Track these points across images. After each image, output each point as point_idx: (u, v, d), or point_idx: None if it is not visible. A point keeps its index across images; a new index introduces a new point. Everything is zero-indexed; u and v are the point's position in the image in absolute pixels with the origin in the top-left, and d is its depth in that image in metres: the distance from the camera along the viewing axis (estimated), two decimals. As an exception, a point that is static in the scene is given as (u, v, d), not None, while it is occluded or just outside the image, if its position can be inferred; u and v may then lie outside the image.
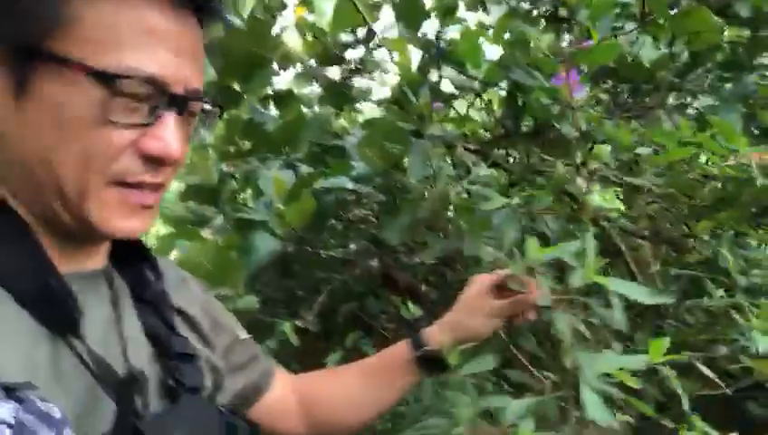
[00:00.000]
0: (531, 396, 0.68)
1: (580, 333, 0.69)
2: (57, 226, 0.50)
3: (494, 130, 1.34)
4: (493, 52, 1.39)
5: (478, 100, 1.43)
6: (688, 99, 1.47)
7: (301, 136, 1.24)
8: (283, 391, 0.77)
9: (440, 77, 1.38)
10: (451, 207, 1.00)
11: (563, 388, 0.67)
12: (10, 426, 0.38)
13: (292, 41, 1.45)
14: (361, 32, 1.48)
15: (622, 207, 1.20)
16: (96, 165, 0.47)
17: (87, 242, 0.53)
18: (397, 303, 1.01)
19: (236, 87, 1.31)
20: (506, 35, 1.31)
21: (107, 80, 0.45)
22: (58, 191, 0.47)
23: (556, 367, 0.69)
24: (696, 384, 0.88)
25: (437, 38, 1.37)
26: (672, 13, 1.24)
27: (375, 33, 1.47)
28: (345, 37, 1.48)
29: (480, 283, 0.78)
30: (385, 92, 1.55)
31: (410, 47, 1.39)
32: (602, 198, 1.36)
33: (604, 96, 1.48)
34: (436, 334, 0.78)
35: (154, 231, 1.39)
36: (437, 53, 1.36)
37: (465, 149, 1.31)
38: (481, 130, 1.42)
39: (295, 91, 1.46)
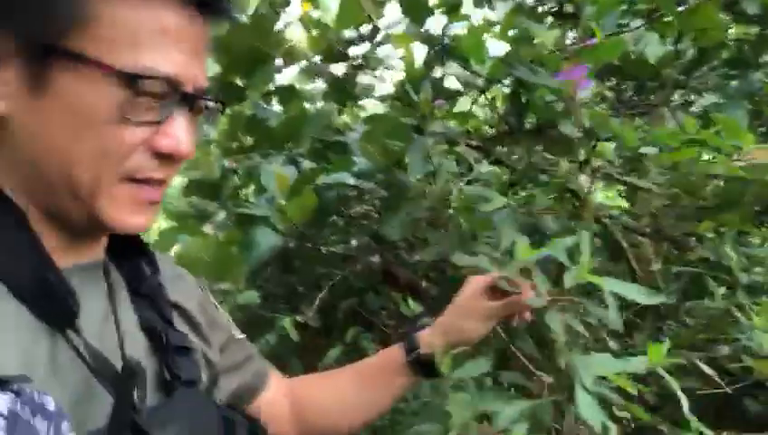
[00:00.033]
0: (528, 398, 0.67)
1: (576, 333, 0.68)
2: (63, 220, 0.50)
3: (497, 126, 1.33)
4: (497, 48, 1.38)
5: (482, 96, 1.43)
6: (693, 96, 1.46)
7: (303, 132, 1.24)
8: (276, 394, 0.76)
9: (444, 73, 1.38)
10: (453, 204, 1.00)
11: (558, 390, 0.66)
12: (4, 417, 0.38)
13: (297, 37, 1.45)
14: (366, 28, 1.48)
15: (625, 205, 1.19)
16: (110, 162, 0.48)
17: (90, 236, 0.53)
18: (397, 299, 1.01)
19: (239, 83, 1.30)
20: (512, 32, 1.31)
21: (129, 80, 0.46)
22: (70, 187, 0.48)
23: (552, 368, 0.69)
24: (696, 382, 0.88)
25: (442, 34, 1.37)
26: (679, 9, 1.23)
27: (379, 29, 1.47)
28: (349, 33, 1.48)
29: (474, 284, 0.78)
30: (388, 89, 1.55)
31: (415, 43, 1.39)
32: (605, 196, 1.36)
33: (609, 93, 1.47)
34: (429, 337, 0.77)
35: (156, 226, 1.40)
36: (442, 50, 1.36)
37: (468, 145, 1.31)
38: (485, 127, 1.41)
39: (299, 86, 1.46)
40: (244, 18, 1.22)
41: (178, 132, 0.50)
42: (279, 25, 1.34)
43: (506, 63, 1.17)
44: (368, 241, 1.22)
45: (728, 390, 0.81)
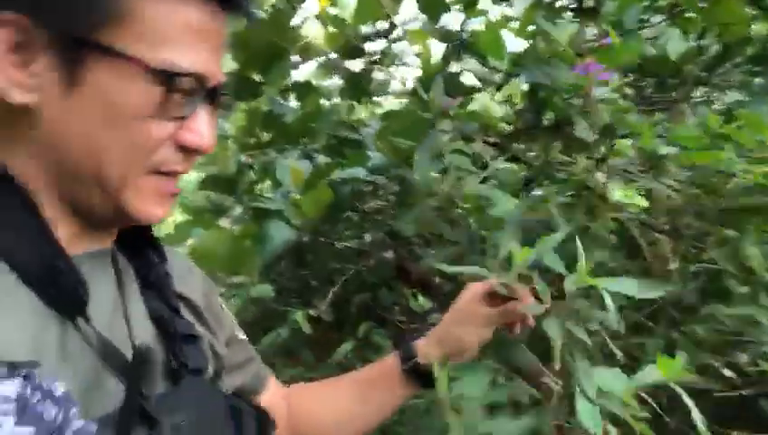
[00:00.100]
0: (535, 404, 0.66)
1: (578, 340, 0.66)
2: (84, 210, 0.51)
3: (514, 123, 1.32)
4: (516, 44, 1.37)
5: (499, 93, 1.41)
6: (716, 94, 1.43)
7: (318, 127, 1.24)
8: (274, 398, 0.76)
9: (461, 69, 1.37)
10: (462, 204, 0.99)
11: (562, 398, 0.65)
12: (14, 402, 0.39)
13: (313, 33, 1.45)
14: (382, 24, 1.48)
15: (644, 203, 1.18)
16: (139, 155, 0.49)
17: (106, 225, 0.54)
18: (409, 295, 1.01)
19: (256, 78, 1.31)
20: (531, 27, 1.29)
21: (164, 77, 0.47)
22: (98, 178, 0.49)
23: (558, 375, 0.68)
24: (715, 383, 0.87)
25: (460, 30, 1.36)
26: (701, 5, 1.21)
27: (396, 25, 1.46)
28: (366, 29, 1.47)
29: (473, 290, 0.76)
30: (406, 85, 1.55)
31: (432, 40, 1.39)
32: (624, 194, 1.34)
33: (629, 90, 1.45)
34: (426, 346, 0.76)
35: (171, 220, 1.41)
36: (459, 45, 1.35)
37: (485, 142, 1.30)
38: (502, 124, 1.40)
39: (315, 82, 1.46)
40: (261, 14, 1.23)
41: (202, 127, 0.51)
42: (296, 21, 1.34)
43: (521, 66, 1.16)
44: (382, 236, 1.22)
45: (744, 392, 0.79)
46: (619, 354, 0.69)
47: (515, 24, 1.34)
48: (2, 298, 0.45)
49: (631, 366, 0.94)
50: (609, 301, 0.64)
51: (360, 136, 1.23)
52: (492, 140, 1.28)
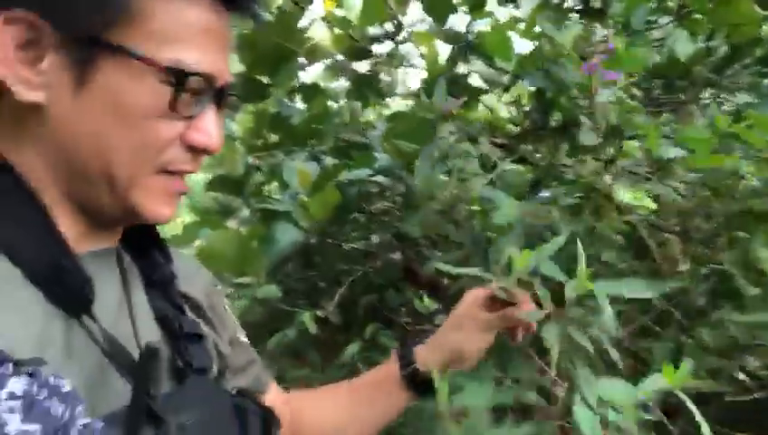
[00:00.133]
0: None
1: (580, 346, 0.65)
2: (91, 208, 0.51)
3: (522, 124, 1.32)
4: (523, 45, 1.37)
5: (507, 94, 1.41)
6: (725, 95, 1.42)
7: (325, 129, 1.25)
8: (276, 403, 0.74)
9: (468, 71, 1.37)
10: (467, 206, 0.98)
11: (564, 406, 0.64)
12: (20, 399, 0.39)
13: (320, 34, 1.45)
14: (389, 26, 1.48)
15: (653, 205, 1.17)
16: (148, 155, 0.49)
17: (113, 224, 0.54)
18: (416, 296, 1.00)
19: (264, 80, 1.31)
20: (537, 29, 1.29)
21: (175, 76, 0.47)
22: (107, 177, 0.49)
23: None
24: (728, 386, 0.86)
25: (466, 31, 1.36)
26: (711, 5, 1.20)
27: (403, 26, 1.46)
28: (373, 31, 1.48)
29: (473, 296, 0.75)
30: (412, 86, 1.55)
31: (439, 41, 1.39)
32: (632, 196, 1.33)
33: (637, 91, 1.44)
34: (425, 352, 0.75)
35: (179, 221, 1.41)
36: (466, 47, 1.35)
37: (493, 143, 1.29)
38: (509, 126, 1.40)
39: (322, 84, 1.47)
40: (268, 16, 1.23)
41: (210, 127, 0.51)
42: (303, 23, 1.34)
43: (526, 65, 1.15)
44: (389, 238, 1.22)
45: (757, 395, 0.78)
46: (620, 362, 0.68)
47: (522, 26, 1.34)
48: (7, 295, 0.45)
49: (641, 370, 0.93)
50: (606, 307, 0.62)
51: (365, 138, 1.23)
52: (499, 141, 1.28)
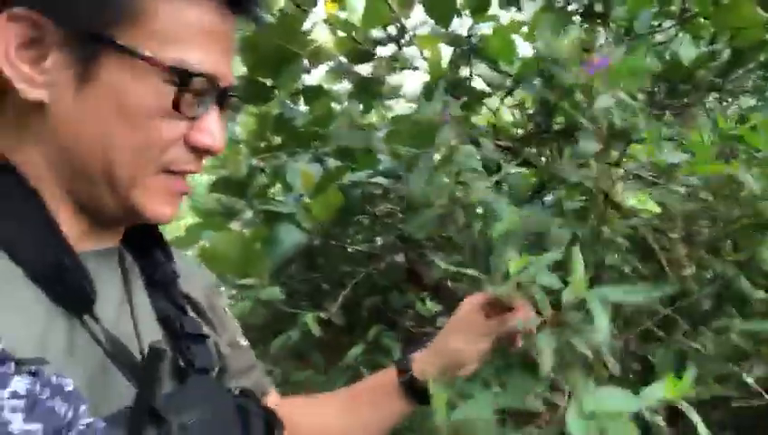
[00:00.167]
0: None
1: (578, 353, 0.64)
2: (93, 207, 0.51)
3: (525, 127, 1.31)
4: (526, 48, 1.37)
5: (511, 97, 1.41)
6: (729, 100, 1.42)
7: (329, 131, 1.24)
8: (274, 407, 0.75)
9: (471, 74, 1.37)
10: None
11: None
12: (23, 398, 0.38)
13: (323, 37, 1.46)
14: (392, 28, 1.48)
15: (657, 209, 1.17)
16: (151, 154, 0.49)
17: (114, 224, 0.54)
18: (419, 298, 1.00)
19: (267, 82, 1.31)
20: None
21: (178, 76, 0.47)
22: (109, 176, 0.49)
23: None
24: (735, 391, 0.85)
25: (469, 35, 1.36)
26: (713, 8, 1.20)
27: (406, 29, 1.47)
28: (376, 33, 1.48)
29: (471, 302, 0.75)
30: (414, 89, 1.55)
31: (442, 45, 1.39)
32: (637, 199, 1.33)
33: (640, 95, 1.44)
34: (423, 359, 0.74)
35: (182, 222, 1.41)
36: (469, 50, 1.35)
37: (496, 146, 1.29)
38: (513, 129, 1.40)
39: (325, 87, 1.47)
40: (270, 18, 1.23)
41: (213, 127, 0.51)
42: (306, 26, 1.34)
43: (525, 71, 1.15)
44: (392, 240, 1.21)
45: (760, 401, 0.77)
46: (618, 370, 0.67)
47: (525, 29, 1.34)
48: (9, 295, 0.45)
49: (644, 377, 0.92)
50: (600, 313, 0.61)
51: (368, 140, 1.23)
52: (503, 144, 1.28)
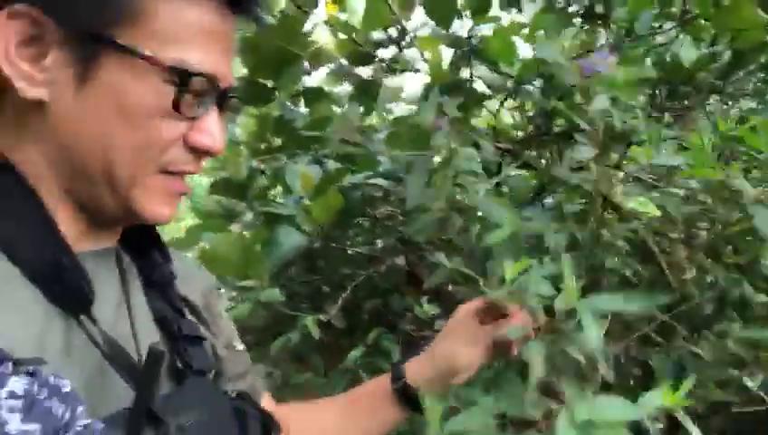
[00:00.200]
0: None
1: (571, 361, 0.64)
2: (91, 206, 0.51)
3: (526, 129, 1.31)
4: (527, 50, 1.37)
5: (511, 99, 1.41)
6: (730, 102, 1.42)
7: (328, 133, 1.24)
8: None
9: (471, 76, 1.37)
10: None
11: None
12: (20, 398, 0.38)
13: (324, 39, 1.46)
14: (393, 30, 1.48)
15: (657, 212, 1.17)
16: (150, 154, 0.49)
17: (112, 223, 0.54)
18: (420, 301, 0.99)
19: (267, 84, 1.31)
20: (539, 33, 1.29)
21: (179, 76, 0.47)
22: (108, 175, 0.48)
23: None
24: (735, 396, 0.85)
25: (470, 36, 1.36)
26: (714, 10, 1.20)
27: (407, 31, 1.47)
28: (377, 35, 1.48)
29: (466, 308, 0.74)
30: (414, 91, 1.55)
31: (443, 47, 1.39)
32: (638, 202, 1.33)
33: (641, 97, 1.44)
34: (416, 366, 0.74)
35: (183, 224, 1.41)
36: (469, 51, 1.35)
37: (496, 148, 1.29)
38: (513, 131, 1.40)
39: (327, 89, 1.47)
40: (271, 19, 1.23)
41: (213, 128, 0.51)
42: (306, 27, 1.34)
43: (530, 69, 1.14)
44: (393, 242, 1.21)
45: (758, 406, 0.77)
46: (611, 378, 0.67)
47: (526, 31, 1.34)
48: (7, 295, 0.45)
49: (645, 382, 0.92)
50: (590, 323, 0.61)
51: (368, 142, 1.23)
52: (503, 146, 1.27)
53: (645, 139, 1.02)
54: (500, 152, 1.30)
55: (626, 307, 0.67)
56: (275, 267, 1.07)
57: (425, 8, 1.31)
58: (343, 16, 1.45)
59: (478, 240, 0.89)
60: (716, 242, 0.97)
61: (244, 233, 1.22)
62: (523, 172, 1.29)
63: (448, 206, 0.90)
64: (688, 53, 1.33)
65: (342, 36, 1.45)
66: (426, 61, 1.40)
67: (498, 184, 1.19)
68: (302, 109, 1.43)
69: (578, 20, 1.37)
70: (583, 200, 1.09)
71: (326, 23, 1.44)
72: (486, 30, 1.39)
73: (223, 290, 1.13)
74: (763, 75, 1.41)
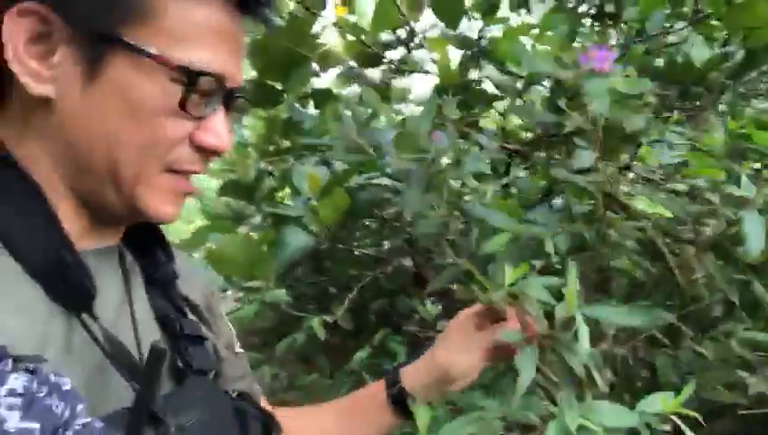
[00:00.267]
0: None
1: (566, 368, 0.63)
2: (96, 204, 0.51)
3: (534, 130, 1.31)
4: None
5: (520, 99, 1.40)
6: (740, 104, 1.40)
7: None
8: None
9: (480, 77, 1.36)
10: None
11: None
12: (20, 396, 0.38)
13: (333, 40, 1.46)
14: (402, 32, 1.48)
15: (667, 213, 1.15)
16: (156, 152, 0.49)
17: (116, 222, 0.54)
18: (424, 302, 0.99)
19: (276, 86, 1.32)
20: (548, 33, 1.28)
21: (187, 75, 0.47)
22: (113, 173, 0.49)
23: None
24: (743, 398, 0.84)
25: (479, 37, 1.35)
26: (726, 8, 1.18)
27: (416, 33, 1.46)
28: (386, 37, 1.48)
29: (463, 315, 0.74)
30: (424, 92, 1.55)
31: (452, 48, 1.38)
32: (647, 203, 1.31)
33: (652, 98, 1.42)
34: (413, 372, 0.73)
35: (192, 226, 1.42)
36: (478, 52, 1.34)
37: (505, 149, 1.28)
38: (522, 132, 1.39)
39: (336, 91, 1.47)
40: (279, 21, 1.24)
41: (220, 128, 0.51)
42: (315, 29, 1.35)
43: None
44: (400, 243, 1.21)
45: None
46: (606, 386, 0.66)
47: (535, 32, 1.33)
48: (8, 291, 0.45)
49: (652, 384, 0.91)
50: (583, 335, 0.60)
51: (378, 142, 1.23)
52: (512, 147, 1.27)
53: (655, 139, 1.01)
54: (508, 153, 1.29)
55: (627, 321, 0.66)
56: (282, 268, 1.07)
57: (433, 9, 1.31)
58: (352, 18, 1.45)
59: (478, 245, 0.88)
60: (723, 241, 0.96)
61: (252, 234, 1.22)
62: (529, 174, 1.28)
63: (449, 211, 0.89)
64: (700, 52, 1.32)
65: (351, 38, 1.45)
66: (434, 62, 1.40)
67: (506, 185, 1.19)
68: (311, 111, 1.43)
69: (588, 20, 1.36)
70: (592, 201, 1.08)
71: (335, 24, 1.44)
72: (496, 31, 1.39)
73: (230, 292, 1.13)
74: (776, 75, 1.39)
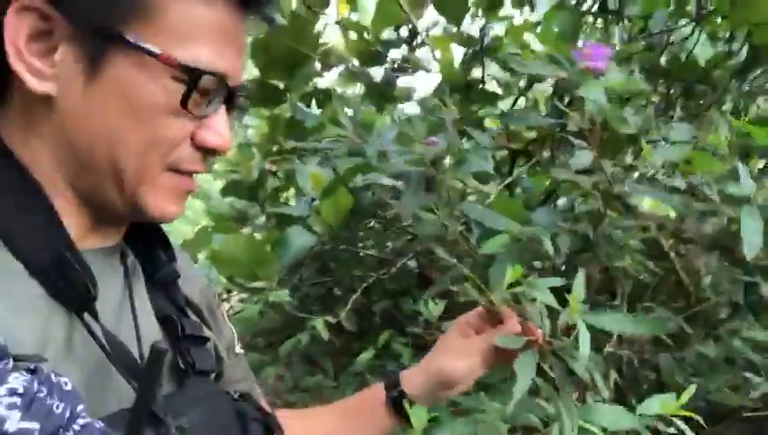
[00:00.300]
0: None
1: (567, 373, 0.62)
2: (98, 203, 0.50)
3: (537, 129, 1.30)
4: (539, 48, 1.35)
5: (523, 98, 1.40)
6: (743, 102, 1.39)
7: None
8: None
9: (483, 75, 1.36)
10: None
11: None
12: (20, 395, 0.38)
13: (335, 39, 1.45)
14: (404, 30, 1.47)
15: (672, 213, 1.15)
16: (158, 151, 0.48)
17: (117, 221, 0.54)
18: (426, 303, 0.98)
19: (279, 85, 1.31)
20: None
21: (189, 74, 0.47)
22: (115, 172, 0.48)
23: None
24: (749, 401, 0.83)
25: (482, 35, 1.35)
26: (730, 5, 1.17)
27: (418, 31, 1.46)
28: (388, 35, 1.47)
29: (462, 318, 0.73)
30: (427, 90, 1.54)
31: (454, 46, 1.38)
32: (653, 203, 1.31)
33: (656, 97, 1.42)
34: (411, 376, 0.72)
35: (198, 227, 1.42)
36: (481, 51, 1.34)
37: (508, 149, 1.28)
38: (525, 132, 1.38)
39: (338, 90, 1.46)
40: (282, 20, 1.23)
41: (221, 127, 0.51)
42: (317, 27, 1.34)
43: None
44: (404, 244, 1.21)
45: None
46: (607, 392, 0.65)
47: (539, 29, 1.33)
48: (9, 290, 0.44)
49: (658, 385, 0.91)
50: (584, 343, 0.59)
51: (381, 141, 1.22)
52: (516, 146, 1.26)
53: (658, 138, 1.00)
54: (512, 152, 1.29)
55: (631, 329, 0.65)
56: (286, 269, 1.07)
57: (436, 6, 1.30)
58: (354, 16, 1.44)
59: (478, 246, 0.88)
60: (724, 238, 0.95)
61: (255, 234, 1.22)
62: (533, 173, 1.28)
63: (448, 212, 0.89)
64: (704, 50, 1.31)
65: (353, 36, 1.44)
66: (437, 60, 1.39)
67: (510, 185, 1.18)
68: (314, 110, 1.43)
69: (590, 18, 1.35)
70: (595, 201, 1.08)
71: (337, 23, 1.44)
72: (498, 28, 1.39)
73: (235, 293, 1.13)
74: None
